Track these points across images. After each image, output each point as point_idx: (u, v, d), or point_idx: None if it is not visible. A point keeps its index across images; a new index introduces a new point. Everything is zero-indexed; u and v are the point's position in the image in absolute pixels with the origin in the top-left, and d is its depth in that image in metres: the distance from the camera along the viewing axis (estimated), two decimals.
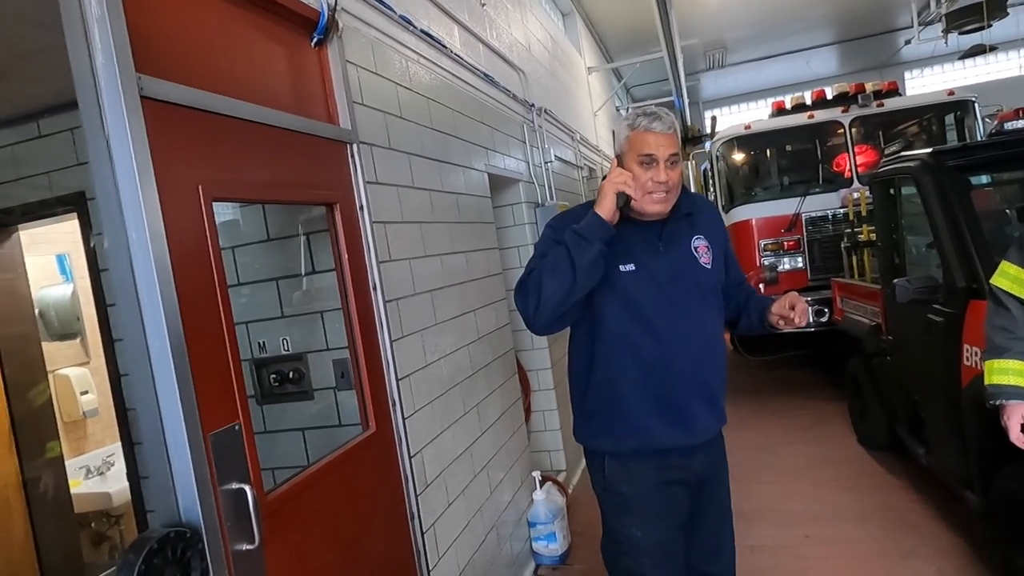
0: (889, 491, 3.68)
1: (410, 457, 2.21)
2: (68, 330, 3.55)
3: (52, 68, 1.42)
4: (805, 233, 5.76)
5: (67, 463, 3.08)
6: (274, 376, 2.30)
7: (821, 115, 6.00)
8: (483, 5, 3.89)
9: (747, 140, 6.30)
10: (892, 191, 3.66)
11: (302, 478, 1.69)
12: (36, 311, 3.08)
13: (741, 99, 14.56)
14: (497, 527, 2.97)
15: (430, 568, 2.25)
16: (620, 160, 1.77)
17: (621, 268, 1.75)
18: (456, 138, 3.13)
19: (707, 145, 6.83)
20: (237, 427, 1.43)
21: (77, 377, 3.56)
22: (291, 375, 2.28)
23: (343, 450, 1.89)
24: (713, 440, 1.89)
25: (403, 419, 2.20)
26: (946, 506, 3.34)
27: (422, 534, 2.22)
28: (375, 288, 2.15)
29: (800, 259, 5.79)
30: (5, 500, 2.71)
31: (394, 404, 2.17)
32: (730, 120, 13.29)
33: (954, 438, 2.79)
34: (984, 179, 3.63)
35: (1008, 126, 3.39)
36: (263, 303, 2.30)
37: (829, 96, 6.20)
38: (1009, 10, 6.30)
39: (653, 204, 1.73)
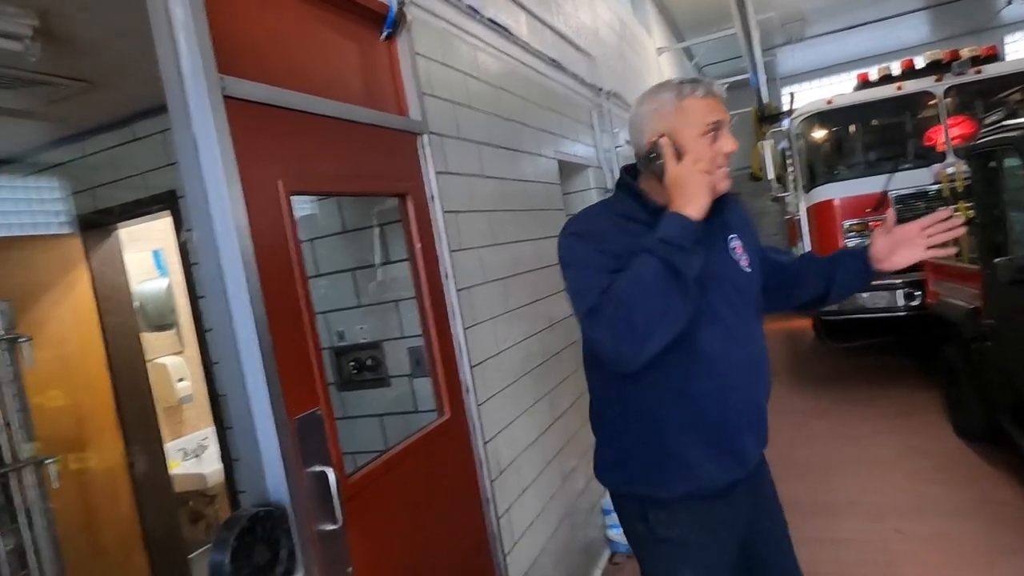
0: (989, 484, 3.46)
1: (484, 443, 2.24)
2: (164, 321, 3.79)
3: (144, 75, 1.50)
4: (894, 212, 5.43)
5: (166, 446, 3.29)
6: (352, 364, 2.38)
7: (911, 86, 5.63)
8: None
9: (829, 116, 5.99)
10: (993, 164, 3.40)
11: (381, 462, 1.74)
12: (135, 304, 3.30)
13: (822, 73, 13.83)
14: (571, 515, 2.97)
15: (506, 553, 2.28)
16: (657, 142, 1.41)
17: None
18: (524, 125, 3.12)
19: (785, 123, 6.55)
20: (319, 412, 1.49)
21: (173, 365, 3.79)
22: (368, 362, 2.35)
23: (419, 435, 1.94)
24: (757, 465, 1.61)
25: (476, 406, 2.23)
26: None
27: (497, 520, 2.25)
28: (447, 277, 2.18)
29: None
30: (112, 480, 2.93)
31: (468, 391, 2.20)
32: (810, 96, 12.66)
33: None
34: None
35: None
36: (341, 293, 2.37)
37: (919, 65, 5.81)
38: None
39: (724, 181, 1.43)
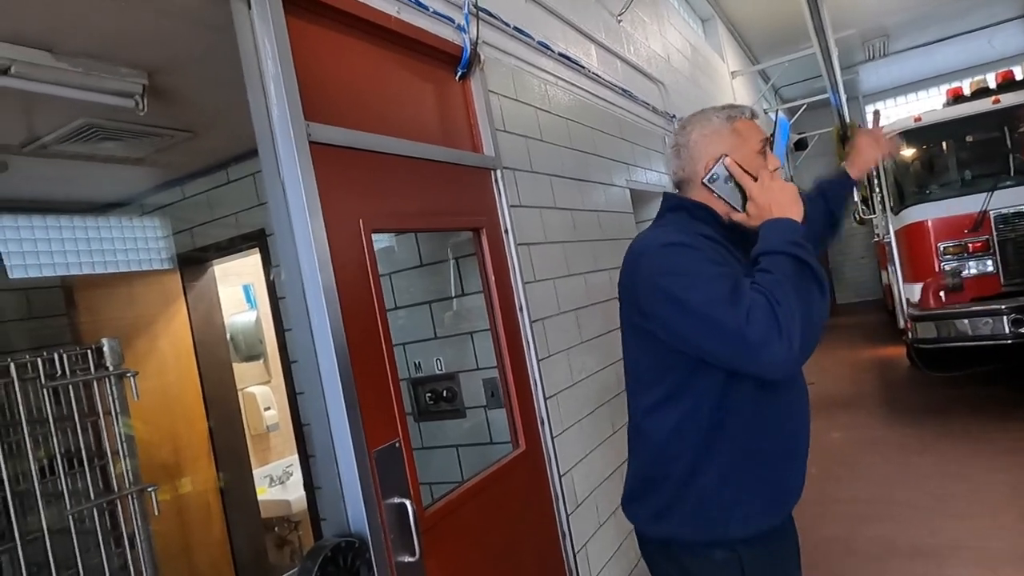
0: None
1: (560, 476, 2.22)
2: (253, 352, 3.97)
3: (238, 123, 1.61)
4: (995, 232, 5.08)
5: (254, 472, 3.43)
6: (429, 395, 2.42)
7: (1009, 99, 5.29)
8: (619, 21, 3.88)
9: (917, 133, 5.70)
10: None
11: (457, 494, 1.75)
12: (227, 336, 3.48)
13: (908, 89, 13.23)
14: None
15: None
16: (714, 162, 1.43)
17: None
18: (596, 156, 3.13)
19: None
20: (397, 444, 1.52)
21: (261, 395, 3.96)
22: (444, 394, 2.38)
23: (495, 467, 1.94)
24: None
25: (552, 438, 2.21)
26: None
27: (574, 554, 2.22)
28: (521, 309, 2.20)
29: (990, 262, 5.11)
30: (206, 504, 3.07)
31: (543, 423, 2.19)
32: (896, 113, 12.12)
33: None
34: None
35: None
36: (418, 325, 2.43)
37: (1019, 76, 5.47)
38: None
39: None
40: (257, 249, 2.89)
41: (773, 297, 1.20)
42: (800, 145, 11.37)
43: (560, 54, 2.92)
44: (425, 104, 2.00)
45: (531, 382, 2.19)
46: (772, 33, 8.90)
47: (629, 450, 1.53)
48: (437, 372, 2.42)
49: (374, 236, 1.62)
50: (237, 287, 4.02)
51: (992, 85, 5.62)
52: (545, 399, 2.21)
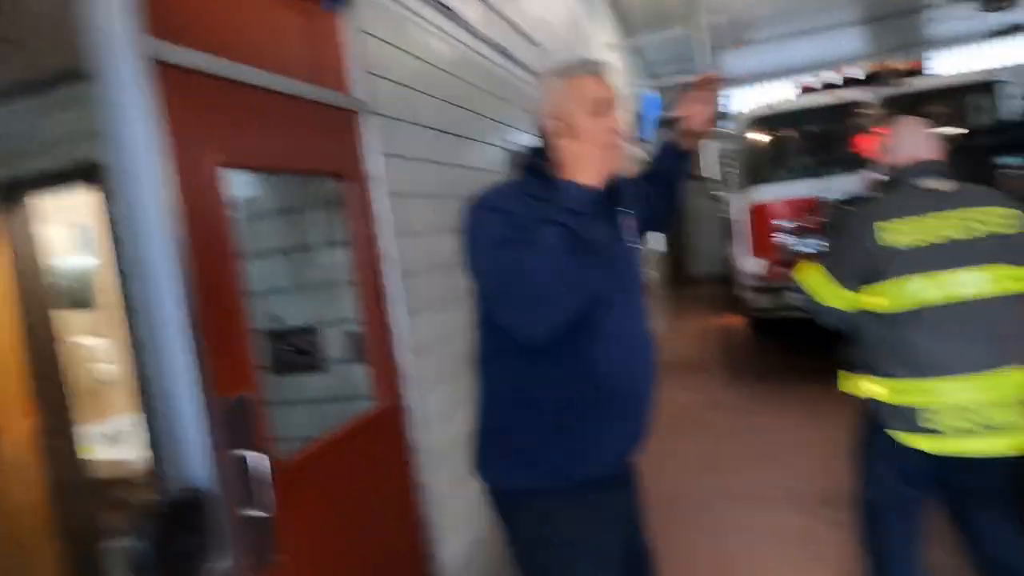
0: None
1: (421, 432, 2.21)
2: (88, 299, 3.59)
3: (66, 33, 1.41)
4: (828, 215, 5.67)
5: (86, 430, 3.13)
6: (289, 348, 2.31)
7: (845, 95, 5.88)
8: None
9: (769, 120, 6.19)
10: None
11: (314, 449, 1.70)
12: (56, 281, 3.11)
13: (764, 78, 14.28)
14: None
15: (440, 542, 2.27)
16: (552, 123, 1.45)
17: None
18: (473, 112, 3.09)
19: (727, 125, 6.73)
20: (248, 396, 1.44)
21: (96, 346, 3.60)
22: (305, 347, 2.28)
23: (353, 423, 1.90)
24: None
25: (414, 394, 2.20)
26: None
27: (431, 509, 2.23)
28: (390, 262, 2.14)
29: (822, 241, 5.71)
30: (25, 466, 2.76)
31: (406, 379, 2.17)
32: (752, 100, 13.05)
33: None
34: (1017, 160, 3.53)
35: None
36: (277, 275, 2.30)
37: (855, 76, 6.08)
38: None
39: (618, 160, 1.44)
40: (90, 184, 2.58)
41: (524, 271, 1.27)
42: (667, 123, 11.94)
43: (440, 2, 2.82)
44: (292, 36, 1.85)
45: (396, 337, 2.15)
46: (648, 10, 9.19)
47: None
48: (298, 325, 2.31)
49: (234, 177, 1.49)
50: (67, 227, 3.59)
51: (834, 82, 6.19)
52: (411, 355, 2.19)
